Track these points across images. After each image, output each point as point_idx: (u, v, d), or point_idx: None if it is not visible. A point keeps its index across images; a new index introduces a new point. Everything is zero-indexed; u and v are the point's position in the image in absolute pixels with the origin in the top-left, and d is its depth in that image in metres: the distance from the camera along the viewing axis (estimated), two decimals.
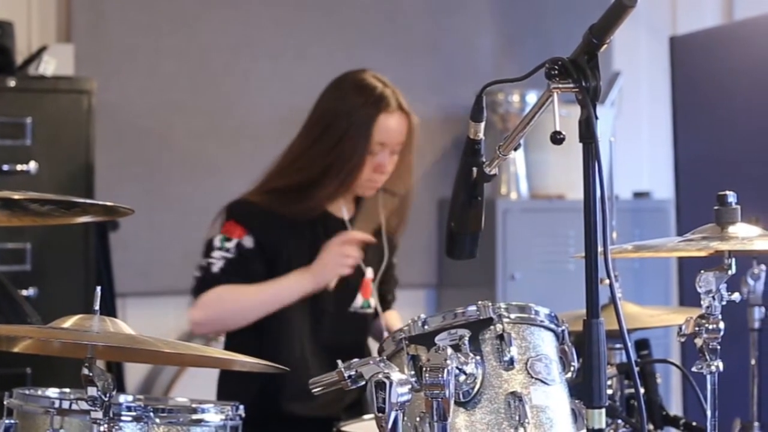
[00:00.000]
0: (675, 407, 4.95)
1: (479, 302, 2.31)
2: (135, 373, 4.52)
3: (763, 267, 3.18)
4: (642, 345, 3.04)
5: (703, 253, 2.43)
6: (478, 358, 2.24)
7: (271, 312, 3.30)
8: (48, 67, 4.12)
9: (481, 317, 2.29)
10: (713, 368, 2.29)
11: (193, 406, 2.47)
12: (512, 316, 2.32)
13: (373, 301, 3.53)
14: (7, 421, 2.36)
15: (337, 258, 3.31)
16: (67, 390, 2.50)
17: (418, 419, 2.21)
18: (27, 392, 2.41)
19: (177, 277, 4.55)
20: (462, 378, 2.21)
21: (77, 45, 4.43)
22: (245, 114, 4.77)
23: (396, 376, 2.00)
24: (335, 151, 3.34)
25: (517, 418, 2.21)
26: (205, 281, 3.31)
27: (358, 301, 3.47)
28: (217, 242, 3.34)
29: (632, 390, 2.89)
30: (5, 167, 3.95)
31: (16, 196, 2.27)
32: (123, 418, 2.30)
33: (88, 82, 4.13)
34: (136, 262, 4.56)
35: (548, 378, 2.28)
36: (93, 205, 2.49)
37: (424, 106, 5.01)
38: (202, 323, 3.33)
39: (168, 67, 4.65)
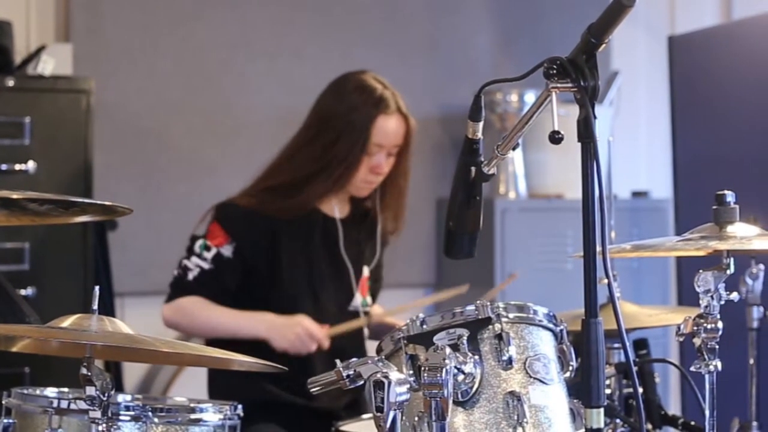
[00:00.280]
0: (673, 407, 4.95)
1: (478, 302, 2.31)
2: (133, 372, 4.52)
3: (761, 266, 3.18)
4: (640, 344, 3.04)
5: (701, 253, 2.43)
6: (476, 357, 2.24)
7: (227, 338, 3.35)
8: (46, 66, 4.12)
9: (480, 317, 2.29)
10: (712, 368, 2.29)
11: (192, 405, 2.47)
12: (511, 315, 2.32)
13: (370, 300, 3.54)
14: (5, 421, 2.37)
15: (301, 341, 3.32)
16: (66, 389, 2.50)
17: (416, 419, 2.21)
18: (25, 392, 2.41)
19: None
20: (460, 377, 2.20)
21: (76, 45, 4.42)
22: (243, 113, 4.77)
23: (394, 375, 2.00)
24: (332, 150, 3.35)
25: (515, 417, 2.21)
26: (180, 285, 3.41)
27: (357, 299, 3.48)
28: (197, 247, 3.40)
29: (631, 389, 2.89)
30: (4, 167, 3.95)
31: (15, 195, 2.27)
32: (121, 417, 2.30)
33: (87, 81, 4.13)
34: (134, 261, 4.55)
35: (547, 377, 2.28)
36: (91, 205, 2.49)
37: (422, 106, 5.02)
38: (171, 324, 3.46)
39: (166, 67, 4.65)
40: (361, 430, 2.85)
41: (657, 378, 3.01)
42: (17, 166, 3.97)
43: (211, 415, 2.42)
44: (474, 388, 2.23)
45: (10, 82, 4.01)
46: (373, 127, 3.34)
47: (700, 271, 2.29)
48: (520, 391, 2.24)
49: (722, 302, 2.29)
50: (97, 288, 2.21)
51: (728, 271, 2.29)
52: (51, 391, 2.50)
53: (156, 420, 2.33)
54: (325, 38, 4.92)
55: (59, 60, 4.20)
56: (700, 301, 2.29)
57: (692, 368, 2.31)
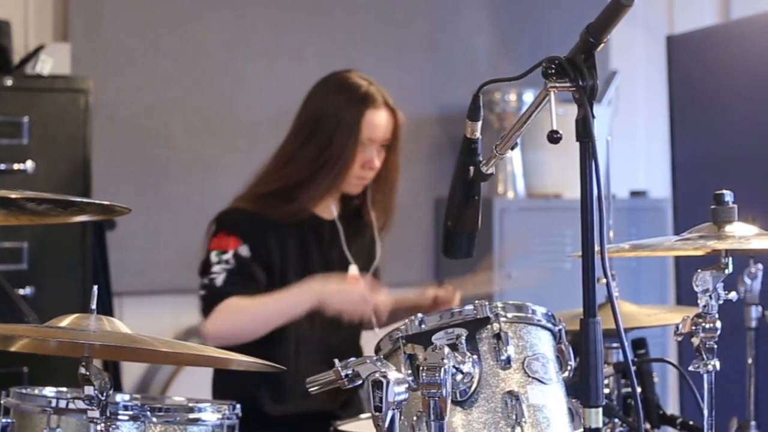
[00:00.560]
0: (672, 406, 4.95)
1: (476, 301, 2.31)
2: (132, 372, 4.52)
3: (759, 266, 3.18)
4: (639, 344, 3.04)
5: (700, 252, 2.43)
6: (475, 357, 2.24)
7: (283, 324, 3.28)
8: (45, 66, 4.12)
9: (478, 316, 2.29)
10: (710, 367, 2.29)
11: (190, 405, 2.47)
12: (509, 315, 2.32)
13: None
14: (3, 420, 2.36)
15: (355, 306, 3.27)
16: (64, 389, 2.50)
17: (415, 418, 2.21)
18: (24, 391, 2.41)
19: (174, 276, 4.55)
20: (459, 377, 2.21)
21: (74, 44, 4.42)
22: (241, 113, 4.77)
23: (393, 375, 2.00)
24: (327, 151, 3.35)
25: (514, 417, 2.21)
26: (212, 296, 3.26)
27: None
28: (213, 258, 3.30)
29: (629, 389, 2.90)
30: (2, 166, 3.95)
31: (13, 195, 2.26)
32: (120, 417, 2.30)
33: (85, 81, 4.13)
34: (133, 261, 4.55)
35: (545, 377, 2.28)
36: (90, 204, 2.49)
37: (421, 105, 5.02)
38: (218, 336, 3.24)
39: (164, 67, 4.64)
40: (360, 430, 2.85)
41: (655, 377, 3.01)
42: (15, 166, 3.97)
43: (210, 414, 2.42)
44: (472, 388, 2.23)
45: (9, 82, 4.01)
46: (363, 122, 3.36)
47: (699, 270, 2.29)
48: (519, 391, 2.24)
49: (721, 302, 2.29)
50: (95, 287, 2.20)
51: (726, 271, 2.29)
52: (49, 391, 2.50)
53: (154, 419, 2.33)
54: (323, 38, 4.92)
55: (57, 59, 4.20)
56: (699, 301, 2.29)
57: (691, 368, 2.31)
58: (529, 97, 4.87)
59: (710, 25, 5.44)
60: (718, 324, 2.28)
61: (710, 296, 2.28)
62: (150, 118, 4.61)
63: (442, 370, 2.01)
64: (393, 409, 1.98)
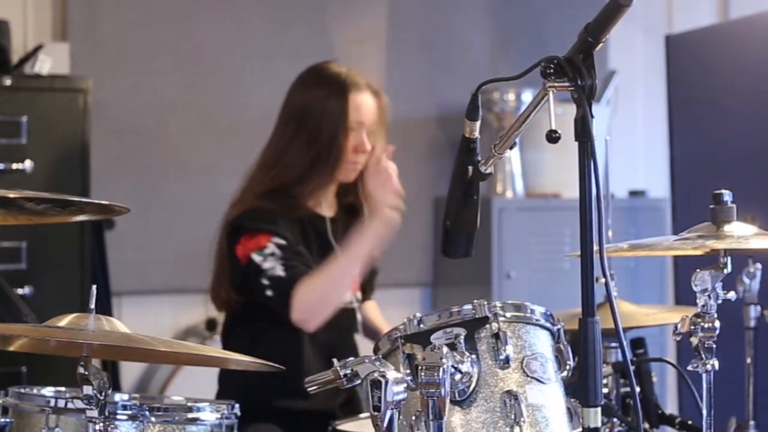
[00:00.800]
0: (671, 406, 4.96)
1: (475, 301, 2.31)
2: (131, 371, 4.52)
3: (758, 266, 3.18)
4: (638, 344, 3.04)
5: (698, 252, 2.43)
6: (473, 356, 2.24)
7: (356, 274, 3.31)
8: (43, 65, 4.12)
9: (477, 316, 2.29)
10: (709, 367, 2.29)
11: (189, 404, 2.46)
12: (508, 314, 2.32)
13: (360, 294, 3.54)
14: (2, 420, 2.36)
15: (385, 192, 3.28)
16: (63, 389, 2.50)
17: (413, 418, 2.21)
18: (22, 391, 2.41)
19: (173, 275, 4.56)
20: (458, 377, 2.21)
21: (73, 44, 4.42)
22: (239, 112, 4.76)
23: (392, 374, 2.00)
24: (318, 142, 3.36)
25: (512, 416, 2.21)
26: (283, 288, 3.21)
27: (348, 295, 3.47)
28: (257, 258, 3.25)
29: (628, 389, 2.89)
30: (1, 166, 3.95)
31: (12, 194, 2.26)
32: (118, 416, 2.30)
33: (84, 81, 4.13)
34: (131, 260, 4.55)
35: (544, 377, 2.28)
36: (88, 204, 2.49)
37: (420, 105, 5.02)
38: (311, 318, 3.21)
39: (163, 66, 4.64)
40: (359, 430, 2.85)
41: (654, 377, 3.01)
42: (14, 166, 3.96)
43: (208, 414, 2.42)
44: (471, 388, 2.23)
45: (7, 81, 4.01)
46: (349, 106, 3.37)
47: (698, 270, 2.29)
48: (518, 391, 2.24)
49: (719, 301, 2.29)
50: (94, 287, 2.20)
51: (725, 270, 2.29)
52: (48, 391, 2.50)
53: (153, 419, 2.33)
54: (321, 38, 4.91)
55: (56, 59, 4.20)
56: (698, 301, 2.29)
57: (689, 367, 2.31)
58: (527, 96, 4.87)
59: (709, 25, 5.44)
60: (717, 323, 2.28)
61: (709, 296, 2.28)
62: (149, 118, 4.61)
63: (441, 369, 2.01)
64: (392, 409, 1.98)
